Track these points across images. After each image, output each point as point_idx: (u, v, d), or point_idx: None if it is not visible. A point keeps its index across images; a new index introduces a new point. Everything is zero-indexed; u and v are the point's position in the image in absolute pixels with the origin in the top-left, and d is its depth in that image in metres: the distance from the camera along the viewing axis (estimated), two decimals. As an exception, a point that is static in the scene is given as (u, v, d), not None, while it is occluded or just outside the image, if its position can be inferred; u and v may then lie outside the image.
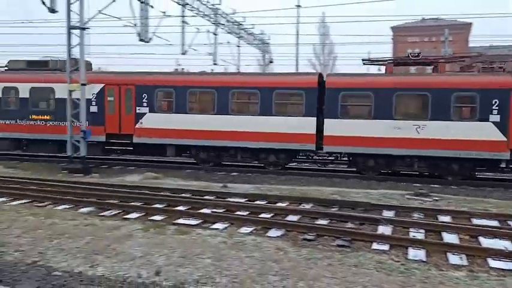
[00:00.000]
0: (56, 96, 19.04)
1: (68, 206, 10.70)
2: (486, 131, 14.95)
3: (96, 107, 18.59)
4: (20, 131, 19.59)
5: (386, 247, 7.70)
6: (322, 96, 16.64)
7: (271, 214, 10.10)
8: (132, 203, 10.96)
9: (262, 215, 9.90)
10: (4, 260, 6.71)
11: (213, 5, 27.11)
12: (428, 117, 15.45)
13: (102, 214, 9.96)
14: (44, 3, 16.27)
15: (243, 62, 38.08)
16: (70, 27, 16.52)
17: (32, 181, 13.73)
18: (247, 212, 10.18)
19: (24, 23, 32.48)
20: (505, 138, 14.87)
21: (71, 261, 6.62)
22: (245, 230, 8.71)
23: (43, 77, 19.53)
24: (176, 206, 10.69)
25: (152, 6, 20.15)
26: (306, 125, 16.50)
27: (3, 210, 9.59)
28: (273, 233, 8.56)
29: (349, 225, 9.19)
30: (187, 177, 16.07)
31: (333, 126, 16.20)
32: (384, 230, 8.79)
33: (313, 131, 16.51)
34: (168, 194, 12.20)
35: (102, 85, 18.74)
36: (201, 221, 9.43)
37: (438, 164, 15.98)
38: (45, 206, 10.71)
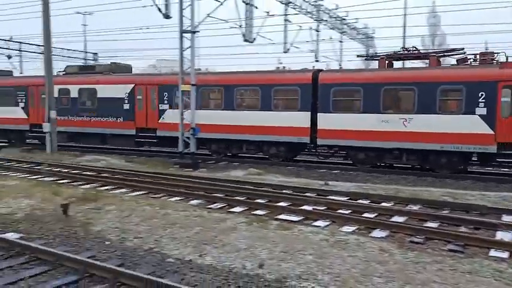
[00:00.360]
0: (98, 96, 22.14)
1: (179, 198, 11.48)
2: (472, 124, 14.79)
3: (128, 104, 21.20)
4: (71, 125, 22.94)
5: (505, 255, 7.01)
6: (316, 91, 17.43)
7: (375, 214, 9.77)
8: (237, 197, 11.39)
9: (366, 215, 9.63)
10: (125, 245, 7.43)
11: (315, 1, 26.99)
12: (415, 110, 15.64)
13: (209, 207, 10.51)
14: (160, 10, 17.65)
15: (345, 58, 37.36)
16: (182, 31, 17.65)
17: (148, 174, 14.95)
18: (349, 211, 9.98)
19: (142, 29, 35.61)
20: (491, 132, 14.61)
21: (182, 250, 7.10)
22: (347, 229, 8.56)
23: (88, 79, 22.82)
24: (278, 202, 10.87)
25: (256, 7, 20.71)
26: (302, 119, 17.57)
27: (124, 200, 10.57)
28: (377, 233, 8.28)
29: (462, 229, 8.53)
30: (288, 174, 16.24)
31: (326, 120, 17.10)
32: (504, 236, 8.00)
33: (308, 125, 17.53)
34: (269, 189, 12.44)
35: (133, 85, 21.20)
36: (302, 217, 9.47)
37: (426, 157, 16.07)
38: (160, 197, 11.61)
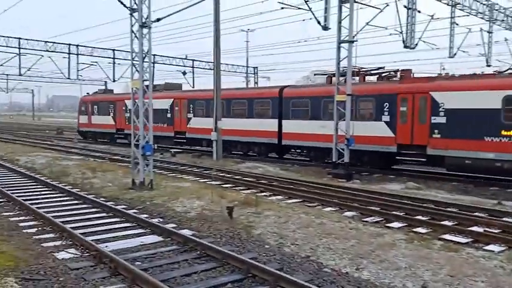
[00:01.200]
0: (153, 107, 27.02)
1: (333, 208, 11.48)
2: (380, 129, 18.36)
3: (170, 114, 28.60)
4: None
5: None
6: (282, 103, 22.45)
7: None
8: (394, 212, 10.88)
9: (553, 243, 8.25)
10: (283, 250, 7.72)
11: (487, 0, 24.32)
12: (343, 118, 18.02)
13: (365, 220, 10.27)
14: (319, 22, 18.02)
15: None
16: (340, 42, 17.69)
17: (302, 183, 15.29)
18: (531, 237, 8.68)
19: (300, 42, 36.98)
20: (393, 135, 18.10)
21: (338, 261, 7.05)
22: (529, 257, 7.43)
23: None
24: (441, 220, 10.06)
25: (419, 11, 19.60)
26: (272, 125, 22.72)
27: (281, 207, 10.97)
28: None
29: None
30: (452, 191, 14.89)
31: (287, 126, 22.07)
32: None
33: (276, 129, 22.60)
34: (431, 206, 11.58)
35: (172, 99, 28.61)
36: (471, 239, 8.61)
37: (355, 156, 18.63)
38: (315, 206, 11.76)
